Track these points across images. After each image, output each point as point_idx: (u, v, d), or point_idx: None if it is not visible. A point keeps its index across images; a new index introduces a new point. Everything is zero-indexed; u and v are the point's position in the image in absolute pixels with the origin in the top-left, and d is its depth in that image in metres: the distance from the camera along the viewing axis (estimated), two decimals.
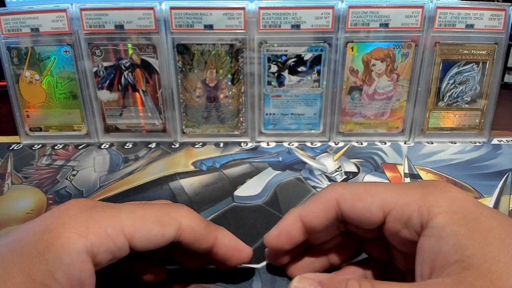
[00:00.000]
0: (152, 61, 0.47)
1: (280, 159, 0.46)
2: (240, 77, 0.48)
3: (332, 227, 0.26)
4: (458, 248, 0.19)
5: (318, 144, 0.50)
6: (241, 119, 0.50)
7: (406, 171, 0.44)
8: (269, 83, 0.48)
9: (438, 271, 0.19)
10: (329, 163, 0.45)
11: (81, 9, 0.45)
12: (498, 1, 0.64)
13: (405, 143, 0.50)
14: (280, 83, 0.48)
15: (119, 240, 0.22)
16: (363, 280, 0.20)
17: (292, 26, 0.45)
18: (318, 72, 0.47)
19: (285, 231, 0.25)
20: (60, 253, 0.19)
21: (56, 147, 0.50)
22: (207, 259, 0.27)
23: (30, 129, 0.51)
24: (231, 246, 0.26)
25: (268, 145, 0.50)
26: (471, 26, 0.45)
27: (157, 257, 0.27)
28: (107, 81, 0.48)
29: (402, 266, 0.24)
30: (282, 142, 0.50)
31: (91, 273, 0.21)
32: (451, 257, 0.19)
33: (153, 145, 0.50)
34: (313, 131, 0.50)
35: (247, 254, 0.26)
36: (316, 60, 0.47)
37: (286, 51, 0.46)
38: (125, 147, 0.50)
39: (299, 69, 0.47)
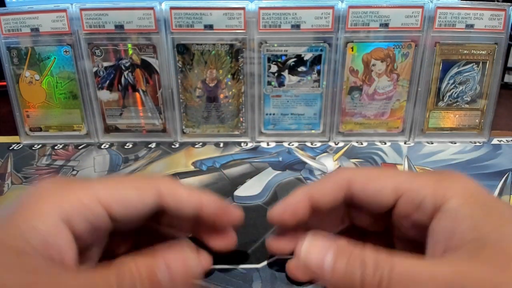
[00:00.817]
0: (152, 61, 0.47)
1: (280, 159, 0.46)
2: (240, 77, 0.48)
3: (337, 217, 0.26)
4: (474, 228, 0.19)
5: (318, 144, 0.50)
6: (241, 119, 0.50)
7: (406, 171, 0.44)
8: (269, 83, 0.48)
9: (453, 250, 0.19)
10: (329, 163, 0.45)
11: (81, 9, 0.45)
12: (498, 1, 0.64)
13: (405, 143, 0.50)
14: (280, 83, 0.48)
15: (96, 209, 0.21)
16: (381, 250, 0.19)
17: (292, 26, 0.45)
18: (318, 72, 0.47)
19: (291, 205, 0.25)
20: (34, 221, 0.19)
21: (56, 147, 0.50)
22: (197, 229, 0.26)
23: (30, 129, 0.51)
24: (219, 207, 0.25)
25: (268, 145, 0.50)
26: (471, 26, 0.45)
27: (148, 231, 0.26)
28: (107, 81, 0.48)
29: None
30: (282, 142, 0.50)
31: (69, 241, 0.20)
32: (467, 236, 0.19)
33: (153, 145, 0.50)
34: (313, 131, 0.50)
35: (238, 213, 0.26)
36: (316, 60, 0.47)
37: (286, 51, 0.46)
38: (125, 147, 0.50)
39: (299, 69, 0.47)
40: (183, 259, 0.20)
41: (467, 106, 0.49)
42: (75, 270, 0.20)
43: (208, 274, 0.28)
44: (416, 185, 0.22)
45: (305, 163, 0.45)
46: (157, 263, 0.19)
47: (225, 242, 0.26)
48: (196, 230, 0.27)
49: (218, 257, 0.28)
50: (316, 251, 0.20)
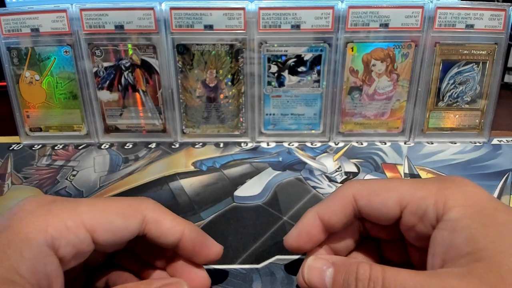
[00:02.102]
0: (152, 61, 0.47)
1: (280, 159, 0.46)
2: (240, 77, 0.48)
3: (353, 230, 0.26)
4: (470, 241, 0.19)
5: (318, 144, 0.50)
6: (241, 119, 0.50)
7: (406, 171, 0.44)
8: (269, 83, 0.48)
9: (450, 263, 0.19)
10: (329, 163, 0.45)
11: (81, 9, 0.45)
12: (498, 1, 0.64)
13: (405, 143, 0.50)
14: (280, 83, 0.48)
15: (80, 233, 0.21)
16: (374, 265, 0.20)
17: (292, 26, 0.45)
18: (318, 72, 0.47)
19: (304, 230, 0.25)
20: (20, 248, 0.19)
21: (56, 147, 0.50)
22: (174, 257, 0.26)
23: (30, 129, 0.51)
24: (199, 241, 0.25)
25: (268, 145, 0.50)
26: (471, 26, 0.45)
27: (125, 256, 0.26)
28: (107, 81, 0.48)
29: (419, 264, 0.24)
30: (282, 142, 0.50)
31: (57, 267, 0.20)
32: (463, 249, 0.19)
33: (153, 145, 0.50)
34: (313, 131, 0.50)
35: (216, 251, 0.25)
36: (316, 60, 0.47)
37: (286, 51, 0.46)
38: (125, 147, 0.50)
39: (299, 69, 0.47)
40: None
41: (467, 106, 0.49)
42: None
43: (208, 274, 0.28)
44: (419, 196, 0.22)
45: (305, 163, 0.45)
46: None
47: (196, 283, 0.25)
48: (169, 263, 0.26)
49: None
50: (316, 273, 0.22)
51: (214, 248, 0.25)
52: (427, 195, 0.22)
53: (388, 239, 0.26)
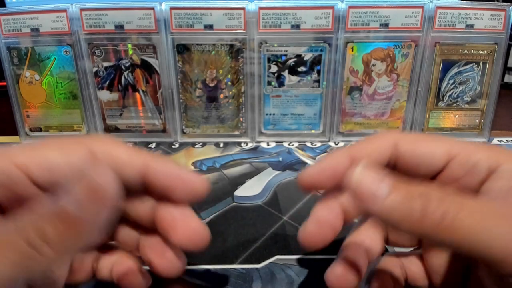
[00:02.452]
0: (152, 61, 0.47)
1: (280, 159, 0.46)
2: (240, 77, 0.48)
3: None
4: None
5: (318, 144, 0.50)
6: (241, 119, 0.50)
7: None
8: (269, 83, 0.48)
9: None
10: None
11: (81, 9, 0.45)
12: (498, 1, 0.64)
13: None
14: (280, 83, 0.48)
15: (11, 172, 0.18)
16: (448, 193, 0.17)
17: (292, 26, 0.45)
18: (318, 72, 0.47)
19: (331, 165, 0.21)
20: None
21: None
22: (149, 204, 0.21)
23: (30, 129, 0.51)
24: (172, 174, 0.20)
25: (268, 145, 0.50)
26: (471, 26, 0.45)
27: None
28: (107, 81, 0.48)
29: (426, 247, 0.23)
30: (282, 142, 0.50)
31: None
32: None
33: (153, 145, 0.50)
34: (313, 131, 0.50)
35: (198, 181, 0.20)
36: (316, 60, 0.47)
37: (286, 51, 0.46)
38: None
39: (299, 69, 0.47)
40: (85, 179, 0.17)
41: (467, 106, 0.49)
42: None
43: (207, 273, 0.28)
44: (470, 149, 0.21)
45: (305, 163, 0.45)
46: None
47: (171, 262, 0.21)
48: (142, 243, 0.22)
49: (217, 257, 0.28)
50: (370, 178, 0.18)
51: (194, 179, 0.20)
52: (478, 150, 0.20)
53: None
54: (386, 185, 0.17)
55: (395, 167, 0.22)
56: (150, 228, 0.21)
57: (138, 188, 0.20)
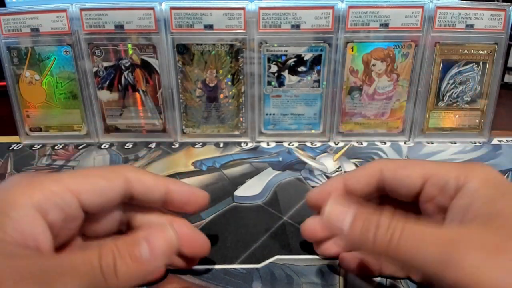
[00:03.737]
0: (152, 61, 0.47)
1: (280, 159, 0.46)
2: (240, 77, 0.48)
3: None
4: (488, 205, 0.20)
5: (318, 144, 0.50)
6: (241, 119, 0.50)
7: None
8: (269, 83, 0.48)
9: (467, 222, 0.20)
10: (329, 163, 0.45)
11: (81, 9, 0.45)
12: (498, 1, 0.64)
13: (405, 143, 0.50)
14: (280, 83, 0.48)
15: (66, 196, 0.22)
16: (395, 219, 0.20)
17: (292, 26, 0.45)
18: (318, 72, 0.47)
19: (327, 189, 0.27)
20: (7, 210, 0.20)
21: (56, 147, 0.50)
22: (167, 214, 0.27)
23: (30, 129, 0.51)
24: (185, 191, 0.26)
25: (268, 145, 0.50)
26: (471, 26, 0.45)
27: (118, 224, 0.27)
28: (107, 81, 0.48)
29: None
30: (282, 142, 0.50)
31: (44, 228, 0.21)
32: (480, 211, 0.20)
33: (153, 145, 0.50)
34: (313, 131, 0.50)
35: (204, 197, 0.27)
36: (316, 60, 0.47)
37: (286, 51, 0.46)
38: (125, 147, 0.50)
39: (299, 69, 0.47)
40: (163, 233, 0.21)
41: (467, 106, 0.49)
42: (53, 254, 0.21)
43: (207, 273, 0.28)
44: (442, 170, 0.24)
45: (305, 163, 0.45)
46: (137, 239, 0.20)
47: (198, 248, 0.27)
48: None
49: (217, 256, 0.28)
50: (338, 210, 0.22)
51: (202, 195, 0.27)
52: (449, 170, 0.23)
53: None
54: (350, 216, 0.21)
55: (384, 190, 0.26)
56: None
57: (159, 204, 0.26)
